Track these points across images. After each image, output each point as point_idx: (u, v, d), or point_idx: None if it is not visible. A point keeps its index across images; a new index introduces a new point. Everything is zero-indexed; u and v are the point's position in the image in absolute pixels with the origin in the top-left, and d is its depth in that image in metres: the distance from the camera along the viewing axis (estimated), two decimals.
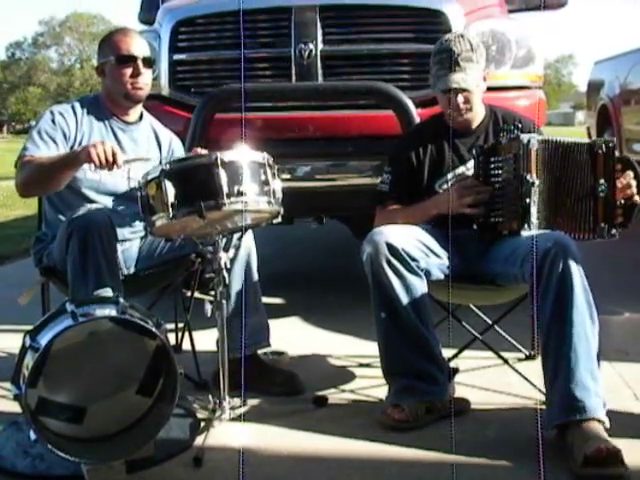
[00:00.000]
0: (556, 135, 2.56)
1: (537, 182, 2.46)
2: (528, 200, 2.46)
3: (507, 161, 2.53)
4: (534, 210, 2.46)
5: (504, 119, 2.81)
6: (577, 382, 2.27)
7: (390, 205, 2.80)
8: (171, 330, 2.89)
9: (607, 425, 2.27)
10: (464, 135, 2.79)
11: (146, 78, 2.85)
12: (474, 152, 2.65)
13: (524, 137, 2.49)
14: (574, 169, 2.51)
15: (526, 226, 2.47)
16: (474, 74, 2.69)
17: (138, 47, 2.84)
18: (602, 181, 2.50)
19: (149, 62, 2.86)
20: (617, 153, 2.52)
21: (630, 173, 2.53)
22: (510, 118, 2.81)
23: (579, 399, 2.26)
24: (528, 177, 2.46)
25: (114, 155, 2.47)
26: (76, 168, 2.63)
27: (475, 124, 2.81)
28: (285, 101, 3.71)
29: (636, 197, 2.53)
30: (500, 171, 2.56)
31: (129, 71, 2.81)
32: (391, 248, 2.51)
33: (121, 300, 2.18)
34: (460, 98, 2.69)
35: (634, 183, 2.52)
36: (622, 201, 2.52)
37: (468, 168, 2.74)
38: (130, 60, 2.81)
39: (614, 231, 2.52)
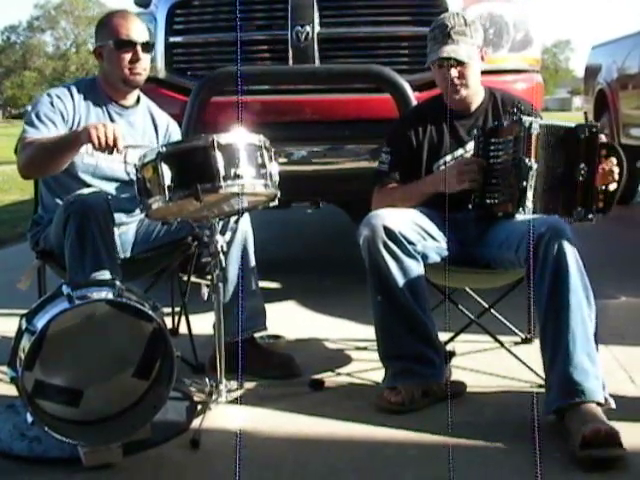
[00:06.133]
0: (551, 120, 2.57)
1: (535, 166, 2.46)
2: (525, 183, 2.45)
3: (507, 143, 2.53)
4: (530, 194, 2.46)
5: (503, 102, 2.80)
6: (575, 365, 2.27)
7: (388, 185, 2.79)
8: (168, 314, 2.90)
9: (612, 405, 2.28)
10: (463, 117, 2.78)
11: (145, 63, 2.82)
12: (474, 133, 2.64)
13: (526, 120, 2.48)
14: (559, 152, 2.51)
15: (521, 209, 2.47)
16: (467, 47, 2.67)
17: (138, 32, 2.81)
18: (582, 165, 2.49)
19: (148, 47, 2.84)
20: (603, 139, 2.51)
21: (613, 159, 2.51)
22: (510, 101, 2.80)
23: (578, 382, 2.26)
24: (527, 160, 2.45)
25: (115, 139, 2.45)
26: (77, 148, 2.60)
27: (474, 106, 2.80)
28: (281, 84, 3.69)
29: (614, 184, 2.52)
30: (500, 152, 2.55)
31: (128, 56, 2.78)
32: (388, 231, 2.50)
33: (118, 283, 2.18)
34: (454, 72, 2.67)
35: (616, 170, 2.51)
36: (603, 187, 2.51)
37: (467, 150, 2.73)
38: (129, 45, 2.78)
39: (591, 216, 2.51)
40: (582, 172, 2.48)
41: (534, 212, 2.47)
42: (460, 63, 2.67)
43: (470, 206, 2.63)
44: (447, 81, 2.69)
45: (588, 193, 2.50)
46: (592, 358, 2.30)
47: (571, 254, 2.35)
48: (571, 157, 2.50)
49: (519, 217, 2.52)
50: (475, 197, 2.61)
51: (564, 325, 2.31)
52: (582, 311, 2.33)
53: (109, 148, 2.46)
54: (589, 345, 2.31)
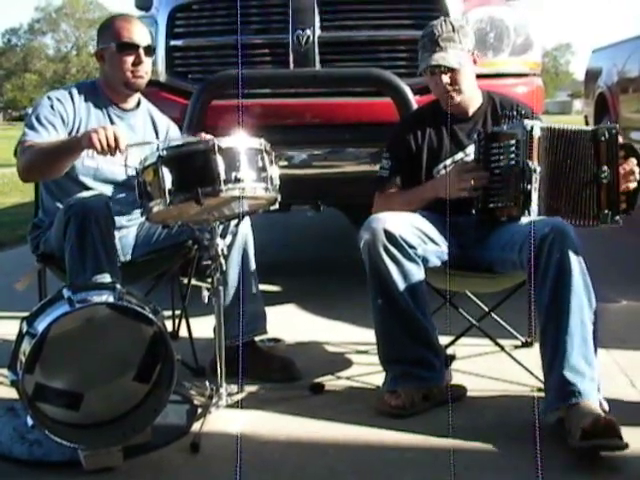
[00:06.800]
0: (556, 123, 2.56)
1: (539, 169, 2.46)
2: (529, 187, 2.45)
3: (509, 147, 2.52)
4: (535, 197, 2.46)
5: (502, 105, 2.80)
6: (571, 367, 2.28)
7: (389, 191, 2.80)
8: (168, 317, 2.90)
9: (606, 408, 2.28)
10: (462, 121, 2.79)
11: (147, 67, 2.83)
12: (475, 137, 2.64)
13: (527, 123, 2.48)
14: (577, 156, 2.50)
15: (526, 212, 2.47)
16: (456, 53, 2.68)
17: (140, 35, 2.82)
18: (605, 168, 2.49)
19: (150, 50, 2.84)
20: (620, 140, 2.52)
21: (633, 160, 2.53)
22: (508, 104, 2.80)
23: (573, 384, 2.27)
24: (530, 164, 2.45)
25: (116, 140, 2.45)
26: (78, 154, 2.61)
27: (472, 109, 2.80)
28: (282, 88, 3.69)
29: (635, 184, 2.53)
30: (501, 157, 2.54)
31: (130, 59, 2.79)
32: (388, 235, 2.50)
33: (118, 286, 2.18)
34: (445, 78, 2.69)
35: (637, 170, 2.52)
36: (625, 187, 2.52)
37: (467, 154, 2.74)
38: (131, 48, 2.79)
39: (617, 217, 2.52)
40: (605, 174, 2.48)
41: (539, 214, 2.47)
42: (450, 69, 2.68)
43: (473, 211, 2.62)
44: (440, 88, 2.71)
45: (612, 195, 2.50)
46: (589, 360, 2.31)
47: (574, 256, 2.35)
48: (592, 160, 2.49)
49: (523, 220, 2.52)
50: (478, 202, 2.61)
51: (564, 328, 2.32)
52: (582, 314, 2.33)
53: (112, 150, 2.46)
54: (586, 347, 2.32)
